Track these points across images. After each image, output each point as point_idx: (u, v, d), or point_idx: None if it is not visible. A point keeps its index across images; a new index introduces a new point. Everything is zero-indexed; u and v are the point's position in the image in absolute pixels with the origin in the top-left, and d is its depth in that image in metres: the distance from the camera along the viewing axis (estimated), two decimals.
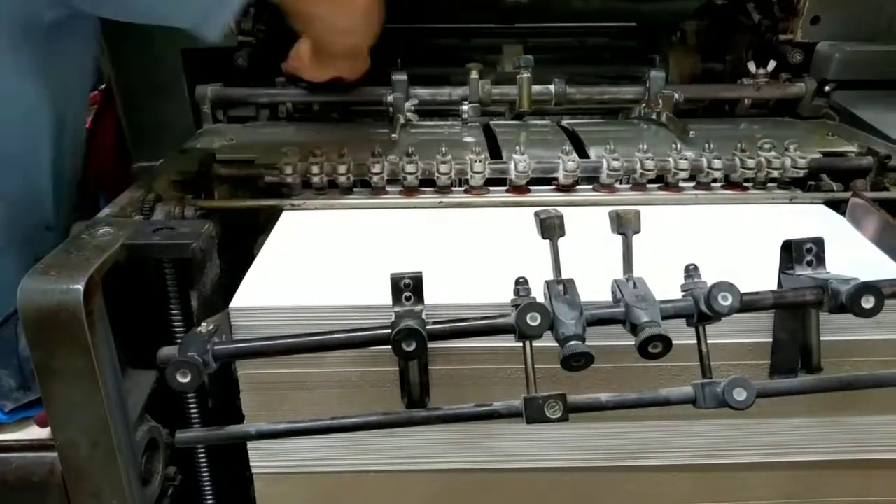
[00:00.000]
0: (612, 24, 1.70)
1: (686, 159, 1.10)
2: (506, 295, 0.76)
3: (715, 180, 1.13)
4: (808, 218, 1.06)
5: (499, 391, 0.84)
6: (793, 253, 0.80)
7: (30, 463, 0.87)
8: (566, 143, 1.16)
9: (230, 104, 1.41)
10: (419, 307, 0.76)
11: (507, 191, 1.12)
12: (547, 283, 0.75)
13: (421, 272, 0.77)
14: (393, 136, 1.23)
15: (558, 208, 0.77)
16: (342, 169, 1.09)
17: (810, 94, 1.41)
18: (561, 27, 1.69)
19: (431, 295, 0.78)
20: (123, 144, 1.44)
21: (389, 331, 0.72)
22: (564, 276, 0.75)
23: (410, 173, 1.09)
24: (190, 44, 1.33)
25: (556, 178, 1.12)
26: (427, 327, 0.73)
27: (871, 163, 1.13)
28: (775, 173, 1.11)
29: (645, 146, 1.11)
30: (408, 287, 0.76)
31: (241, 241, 1.05)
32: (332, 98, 1.43)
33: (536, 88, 1.35)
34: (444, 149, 1.10)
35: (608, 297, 0.76)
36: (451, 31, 1.67)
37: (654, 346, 0.70)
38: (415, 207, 1.09)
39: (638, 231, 0.76)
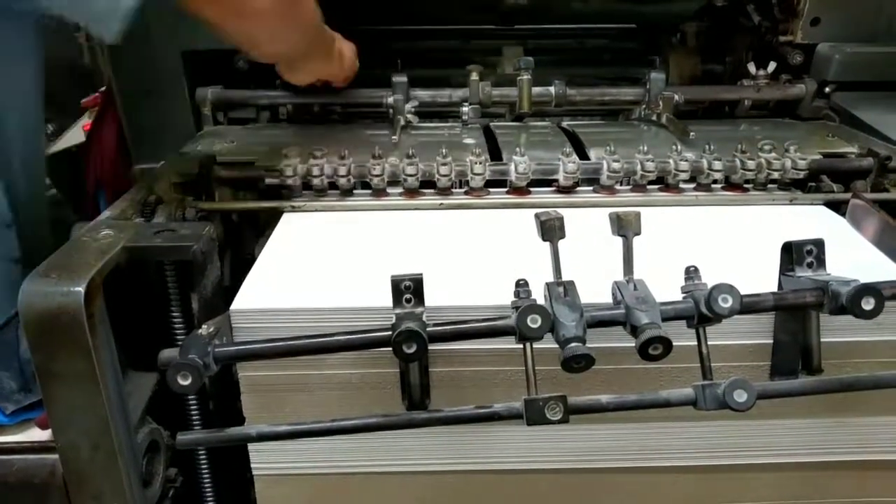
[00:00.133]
0: (612, 26, 1.70)
1: (686, 161, 1.10)
2: (506, 297, 0.76)
3: (715, 182, 1.13)
4: (809, 219, 1.06)
5: (499, 393, 0.84)
6: (793, 254, 0.80)
7: (31, 465, 0.87)
8: (566, 145, 1.16)
9: (230, 106, 1.41)
10: (420, 309, 0.76)
11: (508, 192, 1.12)
12: (547, 284, 0.75)
13: (421, 274, 0.77)
14: (393, 137, 1.23)
15: (558, 210, 0.77)
16: (342, 171, 1.09)
17: (810, 96, 1.41)
18: (561, 29, 1.69)
19: (432, 297, 0.78)
20: (124, 146, 1.44)
21: (390, 333, 0.72)
22: (565, 277, 0.75)
23: (411, 175, 1.09)
24: (190, 46, 1.34)
25: (556, 180, 1.12)
26: (427, 329, 0.73)
27: (872, 164, 1.13)
28: (775, 174, 1.11)
29: (645, 148, 1.11)
30: (408, 289, 0.76)
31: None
32: (332, 100, 1.43)
33: (536, 90, 1.35)
34: (444, 150, 1.10)
35: (609, 299, 0.76)
36: (452, 32, 1.67)
37: (654, 348, 0.70)
38: (415, 209, 1.09)
39: (638, 233, 0.77)
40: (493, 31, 1.66)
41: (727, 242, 0.98)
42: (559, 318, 0.71)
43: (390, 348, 0.72)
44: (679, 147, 1.13)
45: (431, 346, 0.73)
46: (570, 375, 0.71)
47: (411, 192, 1.11)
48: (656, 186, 1.13)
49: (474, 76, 1.35)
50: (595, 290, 0.76)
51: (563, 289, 0.74)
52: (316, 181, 1.09)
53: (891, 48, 1.38)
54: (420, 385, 0.83)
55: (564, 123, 1.37)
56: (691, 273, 0.75)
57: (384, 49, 1.65)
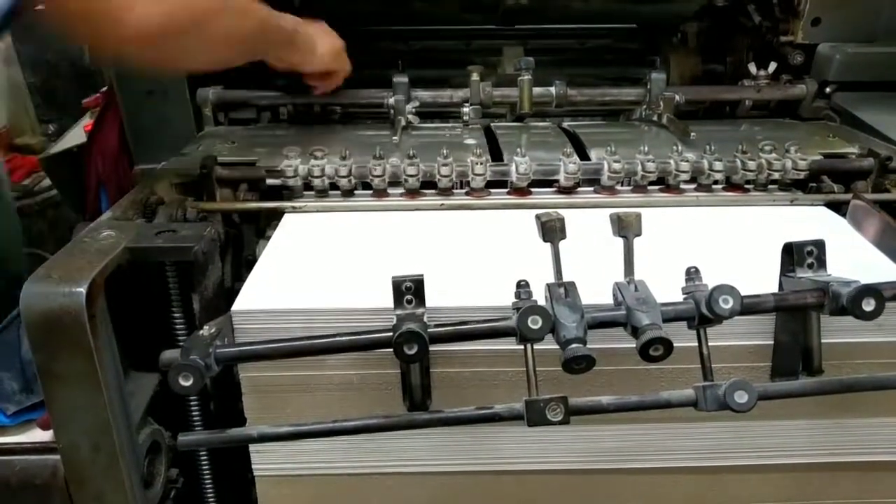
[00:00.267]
0: (612, 26, 1.70)
1: (687, 161, 1.10)
2: (507, 298, 0.76)
3: (716, 182, 1.13)
4: (809, 220, 1.06)
5: (500, 394, 0.84)
6: (794, 255, 0.80)
7: (32, 465, 0.88)
8: (567, 145, 1.16)
9: (231, 107, 1.41)
10: (421, 310, 0.76)
11: (508, 193, 1.12)
12: (548, 285, 0.75)
13: (422, 275, 0.77)
14: (394, 138, 1.23)
15: (559, 210, 0.77)
16: (343, 171, 1.09)
17: (811, 96, 1.41)
18: (561, 29, 1.69)
19: (433, 298, 0.78)
20: (125, 146, 1.44)
21: (391, 334, 0.72)
22: (565, 278, 0.75)
23: (412, 176, 1.09)
24: None
25: (557, 181, 1.12)
26: (428, 330, 0.73)
27: (872, 164, 1.13)
28: (776, 175, 1.11)
29: (646, 148, 1.11)
30: (409, 290, 0.76)
31: None
32: (333, 101, 1.43)
33: (537, 90, 1.35)
34: (445, 151, 1.10)
35: (609, 300, 0.76)
36: (452, 33, 1.67)
37: (655, 349, 0.70)
38: (416, 210, 1.09)
39: (639, 233, 0.77)
40: (494, 31, 1.66)
41: (728, 243, 0.98)
42: (560, 319, 0.71)
43: (391, 349, 0.72)
44: (680, 147, 1.13)
45: (432, 347, 0.73)
46: (570, 376, 0.71)
47: (412, 193, 1.11)
48: (657, 187, 1.13)
49: (475, 76, 1.35)
50: (596, 291, 0.76)
51: (563, 290, 0.74)
52: (317, 182, 1.09)
53: (891, 48, 1.38)
54: (421, 386, 0.84)
55: (565, 124, 1.37)
56: (692, 274, 0.75)
57: (385, 49, 1.65)
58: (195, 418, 0.96)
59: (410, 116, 1.33)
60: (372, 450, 0.89)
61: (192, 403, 0.95)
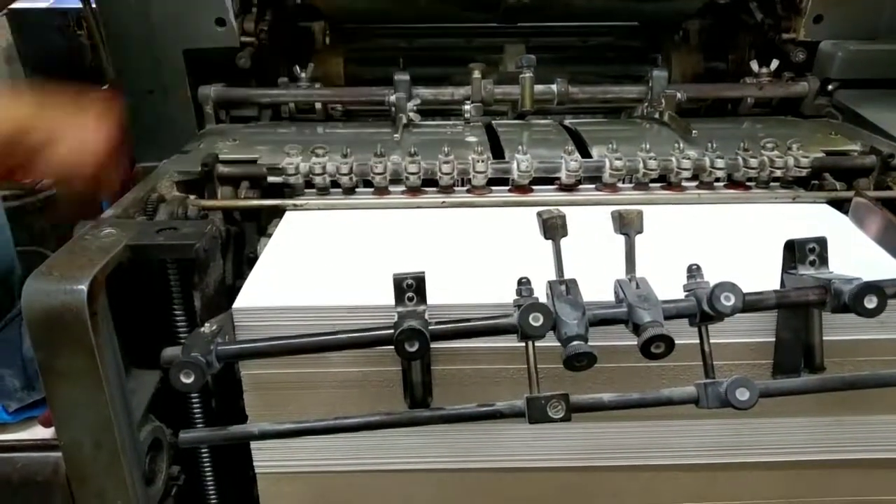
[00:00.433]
0: (614, 24, 1.70)
1: (689, 159, 1.10)
2: (508, 295, 0.76)
3: (718, 180, 1.13)
4: (811, 217, 1.06)
5: (501, 391, 0.84)
6: (795, 252, 0.80)
7: (34, 462, 0.88)
8: (569, 143, 1.16)
9: (233, 104, 1.41)
10: (422, 307, 0.76)
11: (510, 190, 1.12)
12: (549, 283, 0.75)
13: (423, 272, 0.77)
14: (395, 136, 1.23)
15: (561, 208, 0.77)
16: (345, 169, 1.09)
17: (813, 93, 1.41)
18: (563, 27, 1.69)
19: (434, 295, 0.78)
20: (127, 142, 1.44)
21: (392, 331, 0.72)
22: (567, 276, 0.75)
23: (413, 173, 1.09)
24: (193, 44, 1.34)
25: (558, 178, 1.12)
26: (430, 328, 0.73)
27: (875, 162, 1.13)
28: (778, 172, 1.11)
29: (647, 145, 1.11)
30: (410, 287, 0.76)
31: None
32: (334, 99, 1.43)
33: (539, 88, 1.35)
34: (446, 149, 1.10)
35: (611, 297, 0.76)
36: (454, 30, 1.67)
37: (656, 347, 0.70)
38: (417, 207, 1.09)
39: (640, 231, 0.76)
40: (496, 29, 1.66)
41: (729, 240, 0.98)
42: (561, 317, 0.71)
43: (392, 346, 0.72)
44: (681, 145, 1.13)
45: (434, 345, 0.73)
46: (572, 374, 0.70)
47: (413, 191, 1.11)
48: (658, 184, 1.13)
49: (476, 74, 1.35)
50: (597, 289, 0.76)
51: (565, 287, 0.74)
52: (318, 179, 1.09)
53: (893, 45, 1.38)
54: (422, 383, 0.83)
55: (567, 121, 1.37)
56: (693, 271, 0.75)
57: (386, 47, 1.65)
58: (196, 415, 0.96)
59: (412, 114, 1.33)
60: (373, 447, 0.89)
61: (194, 401, 0.95)
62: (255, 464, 0.90)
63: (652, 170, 1.10)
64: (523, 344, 0.73)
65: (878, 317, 0.71)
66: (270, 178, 1.11)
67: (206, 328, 0.76)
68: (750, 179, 1.13)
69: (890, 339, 0.85)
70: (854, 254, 0.91)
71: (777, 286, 0.81)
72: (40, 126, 0.91)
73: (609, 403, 0.74)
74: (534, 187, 1.13)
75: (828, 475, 0.94)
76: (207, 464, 1.00)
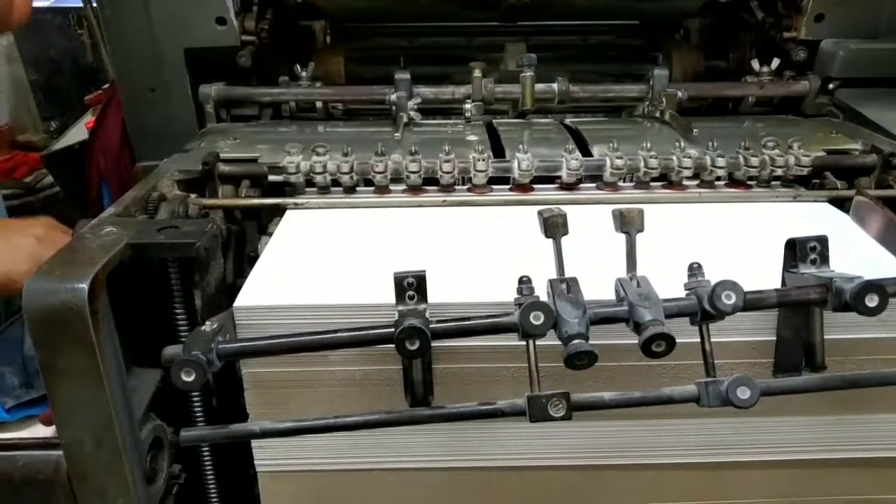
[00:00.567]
0: (615, 23, 1.70)
1: (690, 157, 1.10)
2: (509, 294, 0.76)
3: (718, 178, 1.12)
4: (812, 216, 1.05)
5: (502, 390, 0.84)
6: (797, 251, 0.80)
7: (35, 461, 0.88)
8: (569, 142, 1.15)
9: (233, 103, 1.41)
10: (423, 306, 0.76)
11: (511, 189, 1.12)
12: (550, 281, 0.75)
13: (424, 271, 0.77)
14: (396, 135, 1.23)
15: (561, 207, 0.77)
16: (345, 168, 1.09)
17: (814, 92, 1.40)
18: (564, 25, 1.69)
19: (435, 294, 0.78)
20: (127, 143, 1.44)
21: (393, 329, 0.72)
22: (568, 274, 0.75)
23: (414, 172, 1.09)
24: (193, 43, 1.34)
25: (559, 177, 1.12)
26: (430, 326, 0.73)
27: (876, 160, 1.13)
28: (779, 171, 1.11)
29: (648, 144, 1.11)
30: (411, 286, 0.76)
31: None
32: (335, 98, 1.43)
33: (539, 87, 1.34)
34: (447, 147, 1.10)
35: (612, 296, 0.76)
36: (454, 29, 1.67)
37: (657, 345, 0.70)
38: (418, 206, 1.09)
39: (641, 229, 0.76)
40: (496, 27, 1.66)
41: (730, 239, 0.98)
42: (562, 315, 0.71)
43: (393, 345, 0.72)
44: (682, 144, 1.13)
45: (434, 343, 0.73)
46: (572, 372, 0.70)
47: (414, 190, 1.11)
48: (659, 183, 1.13)
49: (477, 73, 1.35)
50: (598, 287, 0.76)
51: (565, 285, 0.74)
52: (319, 178, 1.09)
53: (894, 44, 1.37)
54: (423, 382, 0.84)
55: (567, 120, 1.37)
56: (694, 270, 0.75)
57: (387, 46, 1.65)
58: (197, 414, 0.96)
59: (412, 113, 1.33)
60: (374, 446, 0.89)
61: (195, 399, 0.96)
62: (255, 462, 0.90)
63: (653, 168, 1.10)
64: (524, 342, 0.73)
65: (879, 315, 0.71)
66: (271, 177, 1.11)
67: (207, 327, 0.76)
68: (751, 178, 1.13)
69: (891, 337, 0.85)
70: (855, 252, 0.91)
71: (778, 285, 0.81)
72: None
73: (610, 402, 0.74)
74: (534, 186, 1.13)
75: (829, 474, 0.94)
76: (208, 462, 1.00)
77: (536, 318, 0.70)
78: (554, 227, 0.75)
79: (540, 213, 0.77)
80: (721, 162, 1.10)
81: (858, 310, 0.71)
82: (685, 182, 1.12)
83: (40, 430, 0.93)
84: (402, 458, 0.90)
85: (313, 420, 0.76)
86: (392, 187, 1.12)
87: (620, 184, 1.13)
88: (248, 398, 0.86)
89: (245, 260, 1.07)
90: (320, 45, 1.58)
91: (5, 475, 0.88)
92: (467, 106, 1.36)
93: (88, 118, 1.84)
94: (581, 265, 0.76)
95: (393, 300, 0.76)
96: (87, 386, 0.76)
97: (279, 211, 1.07)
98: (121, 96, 1.39)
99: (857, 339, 0.85)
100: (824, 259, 0.79)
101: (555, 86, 1.36)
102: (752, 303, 0.74)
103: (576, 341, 0.70)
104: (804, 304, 0.78)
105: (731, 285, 0.71)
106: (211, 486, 1.02)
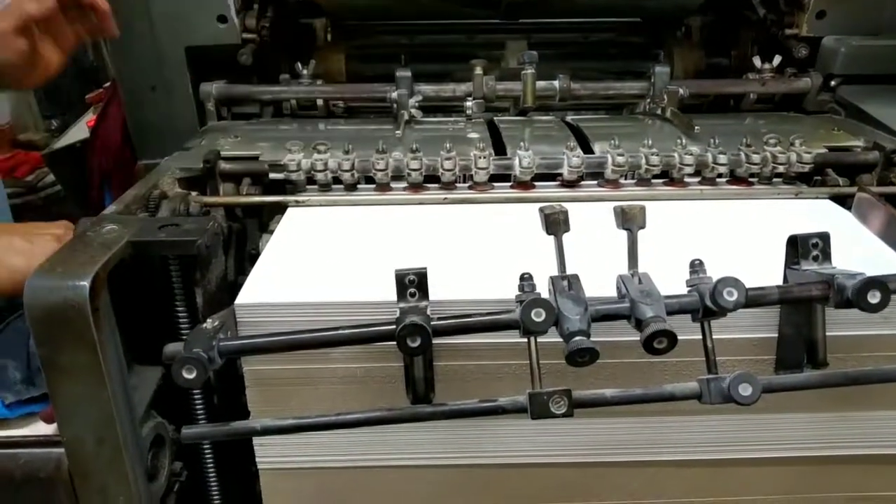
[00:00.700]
0: (616, 20, 1.70)
1: (691, 154, 1.10)
2: (510, 291, 0.76)
3: (720, 175, 1.12)
4: (814, 213, 1.05)
5: (504, 387, 0.84)
6: (798, 248, 0.80)
7: (36, 459, 0.88)
8: (570, 139, 1.15)
9: (234, 101, 1.41)
10: (424, 303, 0.76)
11: (512, 187, 1.12)
12: (551, 278, 0.75)
13: (425, 268, 0.77)
14: (397, 132, 1.23)
15: (563, 204, 0.77)
16: (346, 165, 1.09)
17: (816, 89, 1.40)
18: (565, 23, 1.69)
19: (436, 291, 0.78)
20: (128, 141, 1.44)
21: (394, 327, 0.72)
22: (569, 271, 0.75)
23: (415, 170, 1.09)
24: (194, 41, 1.34)
25: (560, 174, 1.12)
26: (432, 323, 0.73)
27: (878, 157, 1.13)
28: (781, 168, 1.11)
29: (650, 141, 1.11)
30: (412, 283, 0.76)
31: None
32: (336, 95, 1.43)
33: (541, 84, 1.34)
34: (448, 145, 1.10)
35: (613, 293, 0.76)
36: (455, 27, 1.67)
37: (659, 342, 0.70)
38: (419, 204, 1.08)
39: (643, 226, 0.76)
40: (497, 25, 1.66)
41: (732, 236, 0.98)
42: (563, 312, 0.71)
43: (395, 342, 0.72)
44: (684, 141, 1.13)
45: (436, 340, 0.73)
46: (574, 369, 0.70)
47: (415, 187, 1.11)
48: (661, 180, 1.13)
49: (478, 71, 1.35)
50: (599, 284, 0.76)
51: (567, 282, 0.74)
52: (320, 176, 1.09)
53: None
54: (424, 379, 0.83)
55: (569, 118, 1.37)
56: (696, 266, 0.75)
57: (388, 44, 1.65)
58: (199, 412, 0.96)
59: (413, 111, 1.33)
60: (375, 443, 0.89)
61: (196, 397, 0.95)
62: (257, 460, 0.90)
63: (654, 166, 1.10)
64: (525, 340, 0.73)
65: (881, 312, 0.71)
66: (272, 175, 1.11)
67: (209, 324, 0.76)
68: (752, 175, 1.12)
69: (893, 334, 0.85)
70: (857, 249, 0.91)
71: (780, 282, 0.81)
72: None
73: (611, 399, 0.74)
74: (536, 184, 1.12)
75: (831, 471, 0.94)
76: (210, 460, 1.00)
77: (538, 315, 0.70)
78: (555, 223, 0.75)
79: (541, 209, 0.77)
80: (723, 159, 1.10)
81: (860, 306, 0.71)
82: (687, 179, 1.12)
83: (41, 428, 0.93)
84: (404, 455, 0.90)
85: (315, 417, 0.76)
86: (393, 185, 1.12)
87: (622, 181, 1.13)
88: (249, 396, 0.86)
89: (246, 258, 1.07)
90: (321, 43, 1.58)
91: (6, 473, 0.88)
92: (468, 103, 1.36)
93: (89, 117, 1.84)
94: (582, 262, 0.76)
95: (394, 297, 0.76)
96: (88, 383, 0.76)
97: (280, 209, 1.07)
98: (122, 95, 1.39)
99: (859, 335, 0.85)
100: (826, 256, 0.79)
101: (556, 83, 1.36)
102: (754, 299, 0.74)
103: (577, 338, 0.70)
104: (806, 301, 0.78)
105: (733, 282, 0.71)
106: (212, 484, 1.02)
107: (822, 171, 1.14)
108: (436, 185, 1.12)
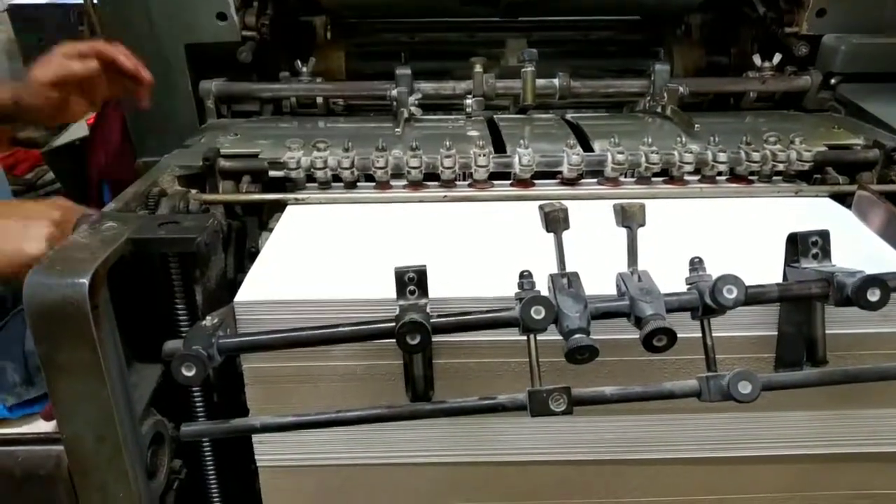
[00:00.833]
0: (616, 18, 1.70)
1: (691, 152, 1.10)
2: (510, 288, 0.76)
3: (720, 173, 1.12)
4: (814, 211, 1.05)
5: (503, 384, 0.84)
6: (798, 246, 0.80)
7: (36, 456, 0.88)
8: (570, 137, 1.15)
9: (234, 99, 1.41)
10: (423, 301, 0.76)
11: (512, 185, 1.12)
12: (551, 276, 0.75)
13: (425, 266, 0.77)
14: (397, 130, 1.23)
15: (562, 202, 0.77)
16: (346, 163, 1.08)
17: (816, 87, 1.40)
18: (565, 21, 1.69)
19: (436, 288, 0.78)
20: (128, 138, 1.44)
21: (394, 324, 0.72)
22: (569, 269, 0.75)
23: (414, 167, 1.09)
24: (194, 39, 1.34)
25: (560, 172, 1.12)
26: (431, 321, 0.73)
27: (878, 155, 1.13)
28: (781, 166, 1.11)
29: (650, 140, 1.11)
30: (412, 281, 0.76)
31: None
32: (335, 93, 1.43)
33: (540, 82, 1.34)
34: (448, 143, 1.10)
35: (613, 291, 0.76)
36: (455, 25, 1.67)
37: (658, 340, 0.70)
38: (419, 201, 1.08)
39: (643, 224, 0.76)
40: (497, 23, 1.65)
41: (732, 234, 0.98)
42: (563, 310, 0.71)
43: (394, 339, 0.72)
44: (684, 139, 1.13)
45: (435, 338, 0.73)
46: (573, 367, 0.70)
47: (415, 185, 1.11)
48: (661, 178, 1.13)
49: (478, 68, 1.35)
50: (599, 282, 0.76)
51: (566, 280, 0.74)
52: (320, 174, 1.09)
53: None
54: (424, 376, 0.83)
55: (568, 116, 1.37)
56: (696, 264, 0.75)
57: (388, 41, 1.65)
58: (198, 409, 0.96)
59: (413, 108, 1.33)
60: (375, 440, 0.89)
61: (195, 394, 0.96)
62: (256, 457, 0.90)
63: (654, 164, 1.10)
64: (525, 337, 0.73)
65: (880, 310, 0.71)
66: (272, 173, 1.11)
67: (208, 322, 0.76)
68: (752, 173, 1.12)
69: (893, 332, 0.85)
70: (857, 247, 0.91)
71: (780, 279, 0.81)
72: None
73: (611, 397, 0.74)
74: (535, 181, 1.12)
75: (830, 468, 0.94)
76: (209, 457, 1.00)
77: (537, 313, 0.70)
78: (555, 221, 0.75)
79: (541, 207, 0.77)
80: (722, 157, 1.10)
81: (860, 304, 0.71)
82: (686, 177, 1.12)
83: (41, 426, 0.93)
84: (403, 452, 0.90)
85: (314, 415, 0.76)
86: (393, 183, 1.12)
87: (622, 179, 1.13)
88: (248, 393, 0.86)
89: (246, 255, 1.07)
90: (321, 41, 1.58)
91: (6, 470, 0.88)
92: (468, 101, 1.36)
93: (89, 115, 1.84)
94: (582, 260, 0.76)
95: (394, 295, 0.76)
96: (87, 381, 0.76)
97: (280, 206, 1.07)
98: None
99: (858, 333, 0.85)
100: (826, 254, 0.79)
101: (556, 81, 1.36)
102: (754, 297, 0.74)
103: (577, 336, 0.70)
104: (806, 299, 0.78)
105: (733, 279, 0.71)
106: (212, 482, 1.02)
107: (822, 169, 1.14)
108: (435, 183, 1.12)
